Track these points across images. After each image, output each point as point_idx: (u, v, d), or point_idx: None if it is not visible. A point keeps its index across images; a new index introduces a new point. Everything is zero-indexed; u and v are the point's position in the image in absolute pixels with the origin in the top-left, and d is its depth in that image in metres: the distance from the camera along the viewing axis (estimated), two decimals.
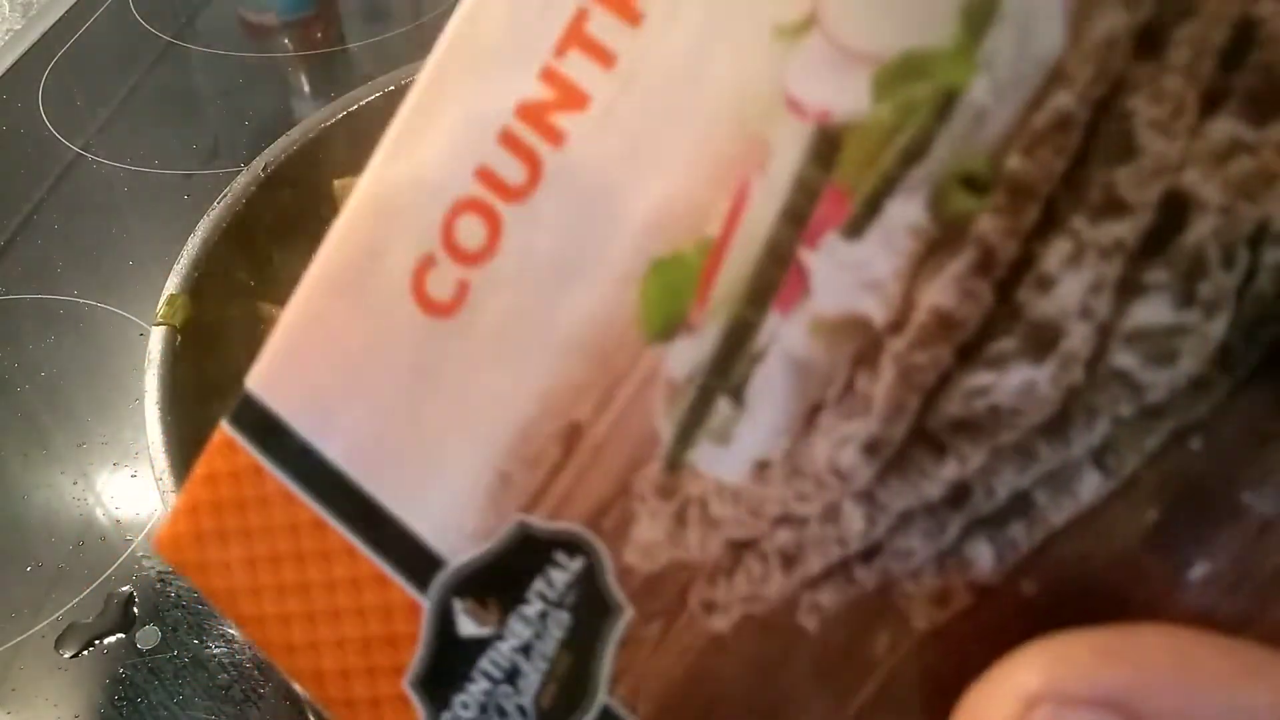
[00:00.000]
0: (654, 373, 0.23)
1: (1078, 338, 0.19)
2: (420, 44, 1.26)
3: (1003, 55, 0.19)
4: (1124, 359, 0.19)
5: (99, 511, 0.80)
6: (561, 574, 0.24)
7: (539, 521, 0.24)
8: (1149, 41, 0.18)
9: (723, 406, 0.22)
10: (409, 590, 0.25)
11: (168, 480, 0.63)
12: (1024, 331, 0.19)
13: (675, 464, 0.23)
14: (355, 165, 0.91)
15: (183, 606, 0.73)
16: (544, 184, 0.23)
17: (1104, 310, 0.19)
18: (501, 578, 0.24)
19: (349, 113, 0.88)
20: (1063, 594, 0.20)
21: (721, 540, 0.22)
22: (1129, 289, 0.19)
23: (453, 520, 0.25)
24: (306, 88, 1.26)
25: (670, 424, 0.23)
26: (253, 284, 0.81)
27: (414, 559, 0.25)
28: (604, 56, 0.22)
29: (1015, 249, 0.19)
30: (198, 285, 0.73)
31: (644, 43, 0.22)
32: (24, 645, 0.72)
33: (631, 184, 0.22)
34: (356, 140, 0.88)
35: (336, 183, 0.89)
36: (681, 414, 0.22)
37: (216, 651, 0.71)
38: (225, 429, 0.27)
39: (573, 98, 0.22)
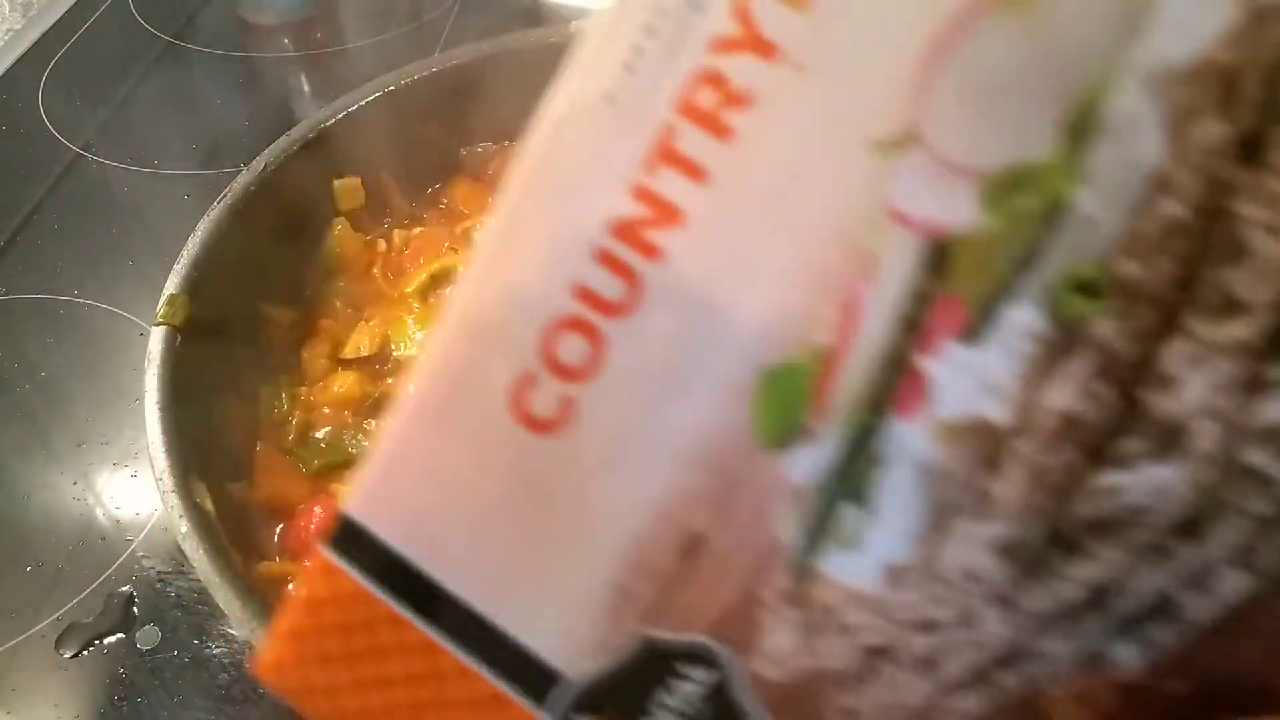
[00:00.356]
0: (774, 480, 0.22)
1: (1206, 436, 0.19)
2: (420, 44, 1.26)
3: (1106, 166, 0.19)
4: (1256, 456, 0.19)
5: (99, 511, 0.80)
6: (689, 686, 0.23)
7: (661, 633, 0.23)
8: (1250, 148, 0.18)
9: (849, 512, 0.22)
10: (528, 707, 0.25)
11: (168, 480, 0.63)
12: (1150, 431, 0.20)
13: (803, 571, 0.22)
14: (355, 165, 0.92)
15: (183, 606, 0.73)
16: (645, 299, 0.23)
17: (1231, 408, 0.19)
18: (623, 692, 0.24)
19: (349, 113, 0.87)
20: (1212, 690, 0.20)
21: (856, 647, 0.22)
22: (1256, 387, 0.19)
23: (569, 635, 0.24)
24: (306, 88, 1.26)
25: (795, 531, 0.22)
26: (253, 284, 0.80)
27: (531, 676, 0.25)
28: (696, 172, 0.22)
29: (1134, 350, 0.20)
30: (198, 285, 0.72)
31: (737, 158, 0.22)
32: (24, 645, 0.72)
33: (735, 296, 0.22)
34: (357, 140, 0.87)
35: (336, 183, 0.89)
36: (806, 521, 0.22)
37: (216, 651, 0.71)
38: (325, 554, 0.26)
39: (667, 213, 0.22)
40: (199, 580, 0.58)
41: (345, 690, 0.26)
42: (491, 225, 0.24)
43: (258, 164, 0.80)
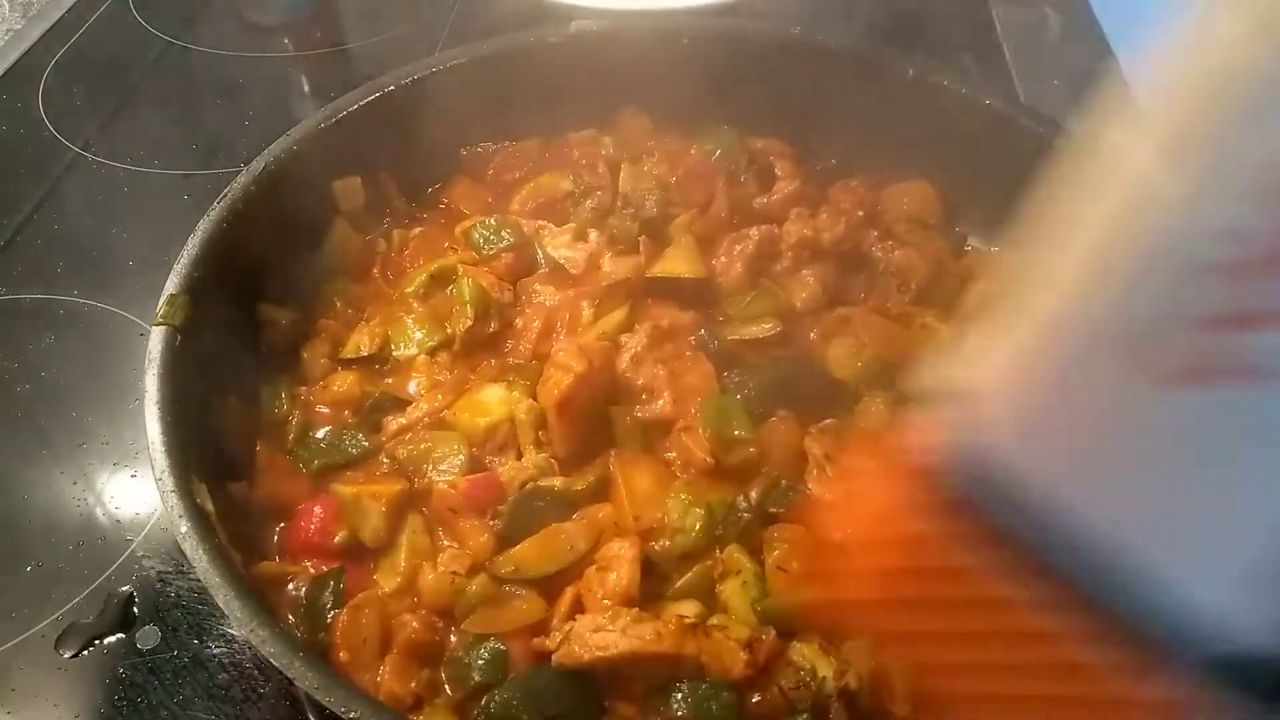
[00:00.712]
0: None
1: None
2: (420, 44, 1.26)
3: None
4: None
5: (99, 511, 0.80)
6: None
7: None
8: None
9: None
10: (1168, 686, 0.22)
11: (167, 480, 0.63)
12: None
13: None
14: (355, 165, 0.92)
15: (182, 606, 0.73)
16: None
17: None
18: (1262, 673, 0.22)
19: (349, 113, 0.87)
20: None
21: None
22: None
23: (1225, 604, 0.22)
24: (306, 88, 1.26)
25: None
26: (253, 284, 0.80)
27: (1176, 649, 0.22)
28: None
29: None
30: (197, 285, 0.72)
31: None
32: (24, 645, 0.72)
33: None
34: (356, 141, 0.87)
35: (336, 183, 0.89)
36: None
37: (216, 651, 0.71)
38: (935, 487, 0.24)
39: None
40: (199, 580, 0.58)
41: (937, 641, 0.24)
42: (1129, 167, 0.22)
43: (257, 164, 0.80)
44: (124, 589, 0.74)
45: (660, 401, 0.74)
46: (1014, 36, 1.28)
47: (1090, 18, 1.34)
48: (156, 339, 0.69)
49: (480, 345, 0.80)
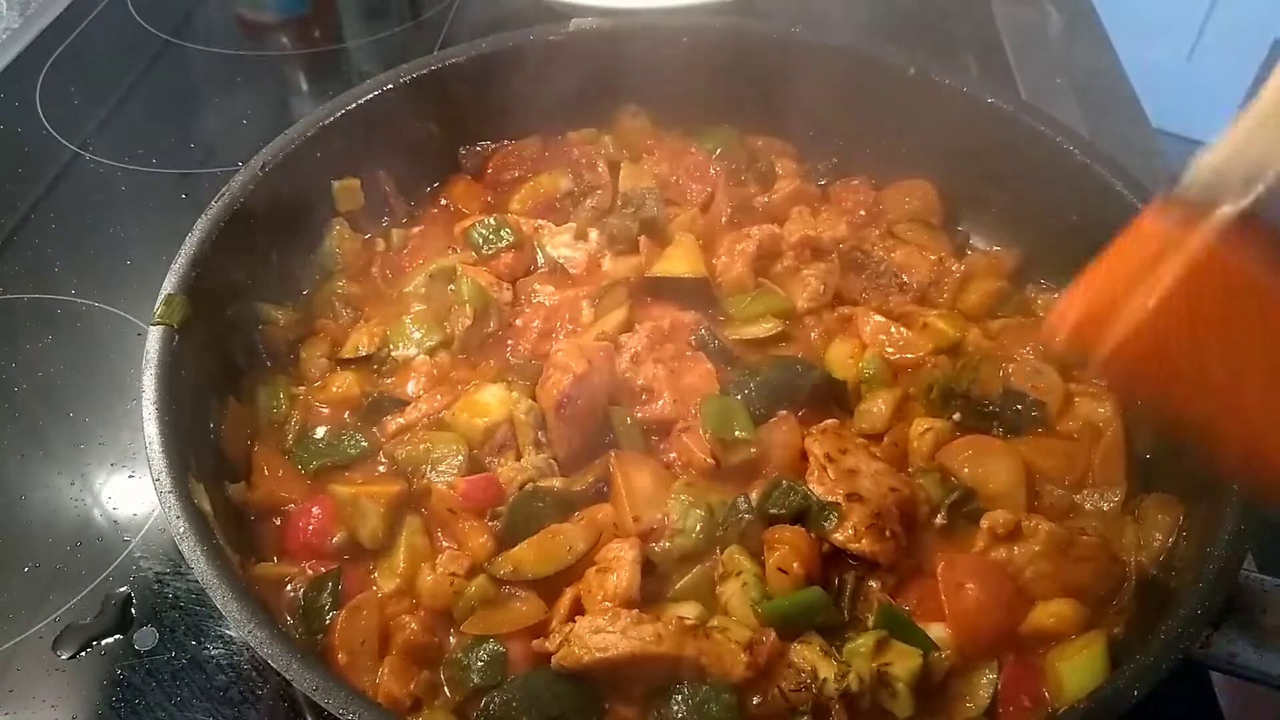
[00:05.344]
0: None
1: None
2: (419, 42, 1.25)
3: None
4: None
5: (96, 512, 0.80)
6: None
7: None
8: None
9: None
10: None
11: (165, 481, 0.63)
12: None
13: None
14: (353, 164, 0.92)
15: (180, 607, 0.73)
16: None
17: None
18: None
19: (347, 111, 0.87)
20: None
21: None
22: None
23: None
24: (304, 86, 1.25)
25: None
26: (250, 283, 0.80)
27: None
28: None
29: None
30: (195, 285, 0.72)
31: None
32: (22, 646, 0.72)
33: None
34: (355, 139, 0.87)
35: (335, 184, 0.88)
36: None
37: (214, 653, 0.70)
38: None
39: None
40: (197, 581, 0.58)
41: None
42: None
43: (255, 163, 0.80)
44: (122, 590, 0.74)
45: (660, 402, 0.74)
46: (1015, 34, 1.28)
47: (1092, 15, 1.34)
48: (154, 339, 0.68)
49: (479, 345, 0.80)
